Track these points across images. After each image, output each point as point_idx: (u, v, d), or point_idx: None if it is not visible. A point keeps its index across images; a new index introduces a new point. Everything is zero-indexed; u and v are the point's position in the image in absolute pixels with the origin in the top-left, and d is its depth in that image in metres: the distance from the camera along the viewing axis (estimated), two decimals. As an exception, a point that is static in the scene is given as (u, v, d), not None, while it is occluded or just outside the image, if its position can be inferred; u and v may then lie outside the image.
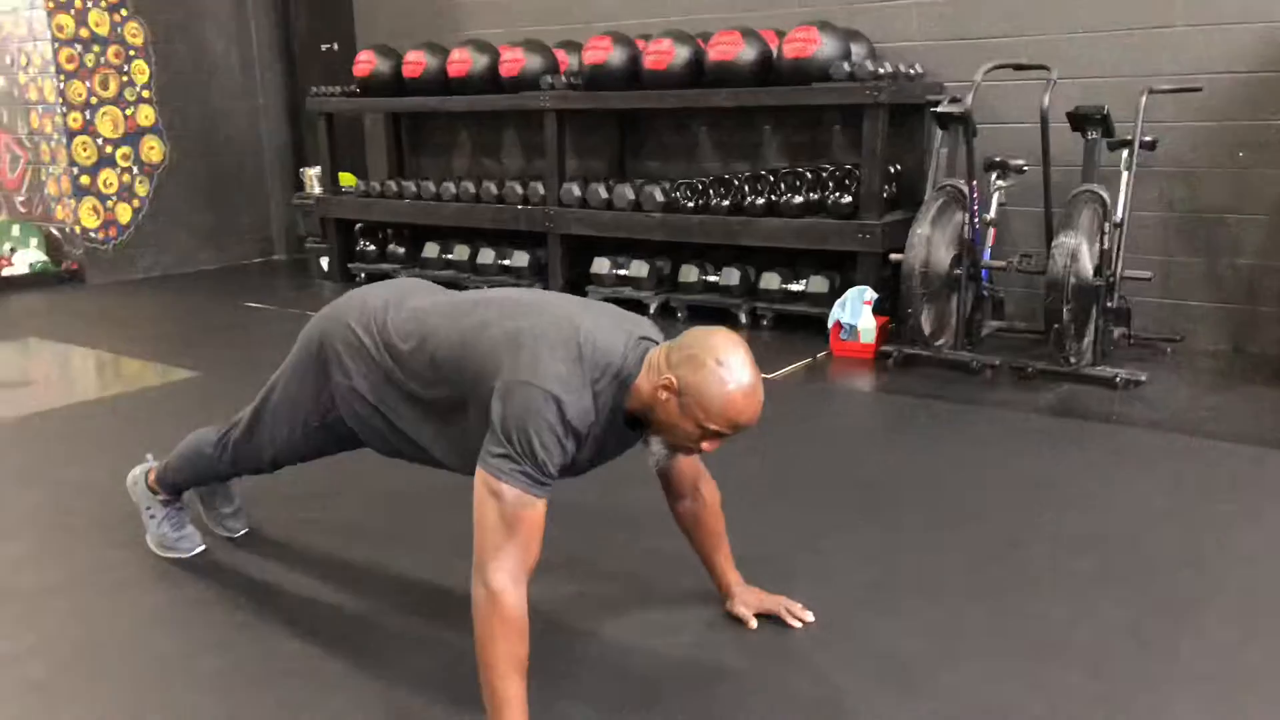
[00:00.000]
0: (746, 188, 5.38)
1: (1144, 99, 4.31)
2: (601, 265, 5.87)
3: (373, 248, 6.89)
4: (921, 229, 4.33)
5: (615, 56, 5.62)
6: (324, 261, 7.11)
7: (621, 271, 5.81)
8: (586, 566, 2.60)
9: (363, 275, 6.92)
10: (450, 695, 2.03)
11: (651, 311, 5.69)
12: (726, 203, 5.38)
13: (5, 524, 3.00)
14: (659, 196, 5.58)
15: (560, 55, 6.14)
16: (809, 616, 2.31)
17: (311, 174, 7.15)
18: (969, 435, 3.70)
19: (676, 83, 5.45)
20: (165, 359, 4.89)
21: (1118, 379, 4.17)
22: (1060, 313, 4.05)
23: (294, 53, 8.09)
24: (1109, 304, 4.24)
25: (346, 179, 7.11)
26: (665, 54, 5.43)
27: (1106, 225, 4.16)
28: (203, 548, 2.75)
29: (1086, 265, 4.06)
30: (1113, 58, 4.79)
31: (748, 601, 2.33)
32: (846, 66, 4.97)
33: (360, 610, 2.45)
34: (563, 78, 5.89)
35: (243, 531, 2.84)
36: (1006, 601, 2.43)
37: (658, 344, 1.95)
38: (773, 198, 5.26)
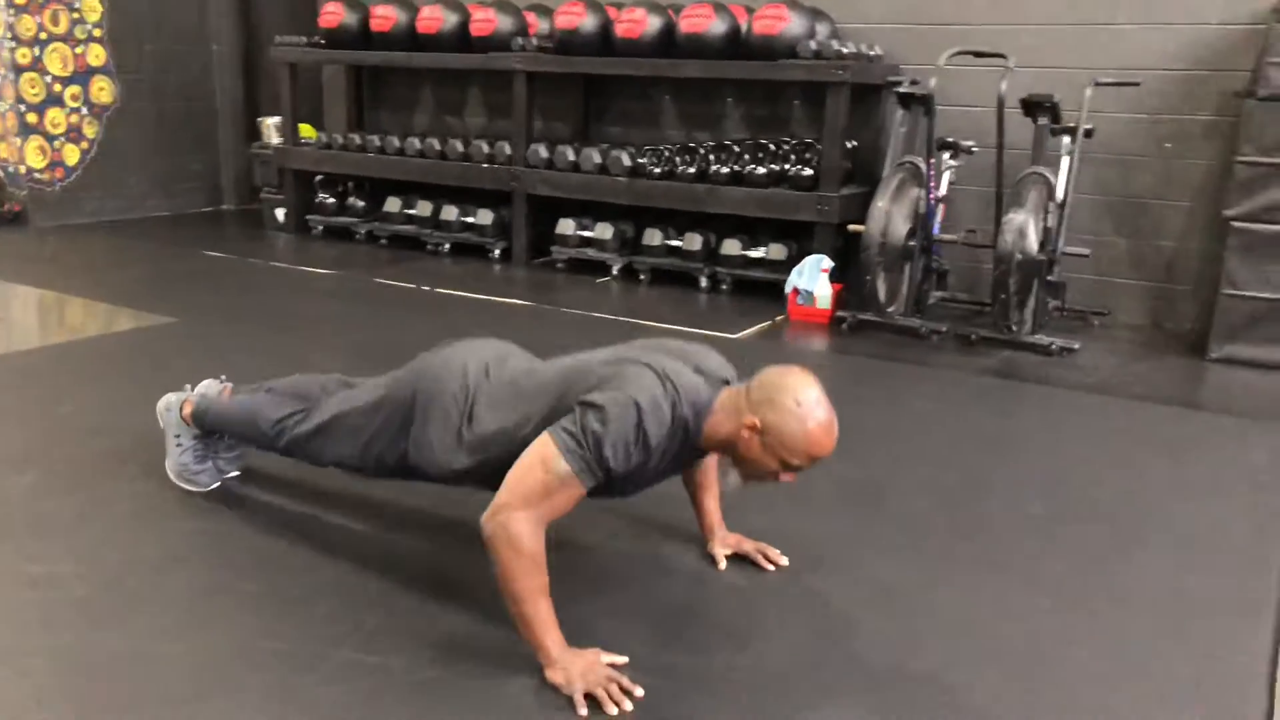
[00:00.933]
0: (711, 156, 5.61)
1: (1089, 90, 4.66)
2: (566, 226, 6.05)
3: (331, 200, 6.94)
4: (882, 202, 4.62)
5: (588, 23, 5.79)
6: (279, 213, 7.13)
7: (586, 233, 6.00)
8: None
9: (320, 228, 6.98)
10: (485, 612, 2.23)
11: (615, 272, 5.91)
12: (692, 170, 5.60)
13: (10, 457, 3.08)
14: (626, 161, 5.77)
15: (530, 18, 6.27)
16: (784, 560, 2.50)
17: (270, 123, 7.15)
18: (922, 393, 4.02)
19: (647, 51, 5.64)
20: (138, 304, 4.93)
21: (1053, 346, 4.54)
22: (1007, 284, 4.39)
23: (250, -1, 8.04)
24: (1049, 278, 4.60)
25: (306, 130, 7.13)
26: (638, 22, 5.61)
27: (1050, 205, 4.51)
28: (218, 484, 2.88)
29: (1032, 241, 4.40)
30: (1061, 50, 5.12)
31: (726, 543, 2.52)
32: (813, 45, 5.22)
33: (384, 536, 2.63)
34: (533, 40, 6.03)
35: (234, 474, 2.91)
36: (977, 538, 2.73)
37: (730, 383, 2.13)
38: (736, 168, 5.51)
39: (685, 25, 5.52)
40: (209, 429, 2.80)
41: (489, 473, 2.14)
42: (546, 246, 6.23)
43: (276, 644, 2.13)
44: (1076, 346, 4.57)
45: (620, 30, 5.68)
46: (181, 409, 2.82)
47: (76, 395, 3.65)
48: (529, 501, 1.96)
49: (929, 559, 2.60)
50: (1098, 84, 4.69)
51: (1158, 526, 2.83)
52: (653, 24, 5.62)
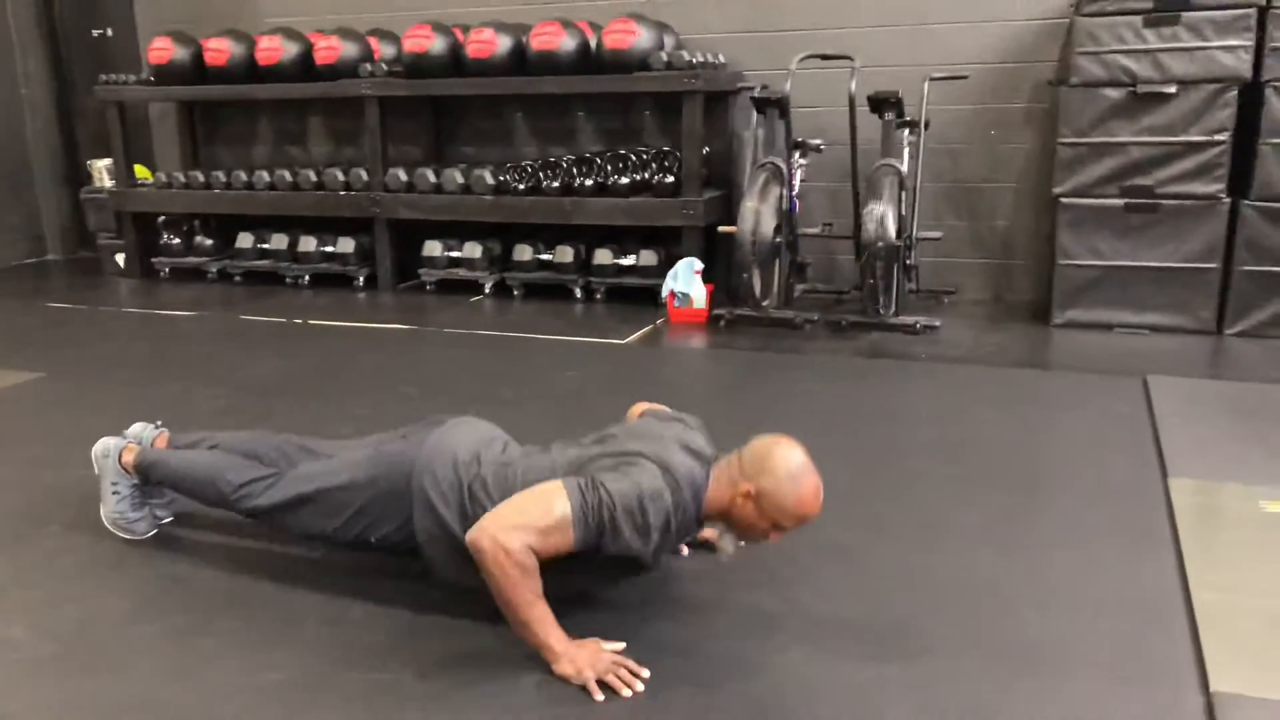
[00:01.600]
0: (574, 170, 5.74)
1: (926, 85, 5.05)
2: (433, 248, 6.05)
3: (177, 241, 6.68)
4: (751, 202, 4.87)
5: (437, 45, 5.82)
6: (119, 257, 6.81)
7: (454, 253, 6.02)
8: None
9: (167, 270, 6.71)
10: (474, 619, 2.28)
11: (488, 289, 5.96)
12: (556, 184, 5.72)
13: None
14: (489, 179, 5.84)
15: (373, 43, 6.24)
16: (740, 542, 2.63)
17: (100, 166, 6.81)
18: (810, 376, 4.27)
19: (499, 70, 5.73)
20: (-6, 361, 4.66)
21: (917, 325, 4.90)
22: (874, 270, 4.71)
23: (58, 39, 7.62)
24: (908, 262, 4.96)
25: (141, 171, 6.84)
26: (488, 43, 5.69)
27: (903, 194, 4.87)
28: (155, 531, 2.81)
29: (891, 229, 4.73)
30: (891, 49, 5.52)
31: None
32: (664, 56, 5.44)
33: (347, 559, 2.63)
34: (381, 65, 6.01)
35: (169, 519, 2.86)
36: (901, 498, 2.97)
37: (715, 458, 2.23)
38: (599, 179, 5.66)
39: (536, 43, 5.64)
40: (154, 481, 2.73)
41: None
42: (412, 270, 6.21)
43: (278, 674, 2.12)
44: (938, 324, 4.95)
45: (471, 51, 5.74)
46: (120, 456, 2.74)
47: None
48: (524, 526, 2.02)
49: (866, 519, 2.81)
50: (932, 79, 5.10)
51: (1050, 473, 3.15)
52: (503, 43, 5.72)
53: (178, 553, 2.71)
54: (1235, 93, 4.56)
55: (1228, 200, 4.65)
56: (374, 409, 3.81)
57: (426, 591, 2.42)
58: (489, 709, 1.99)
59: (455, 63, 5.85)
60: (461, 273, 6.00)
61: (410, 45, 5.85)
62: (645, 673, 2.08)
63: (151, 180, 6.78)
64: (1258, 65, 4.53)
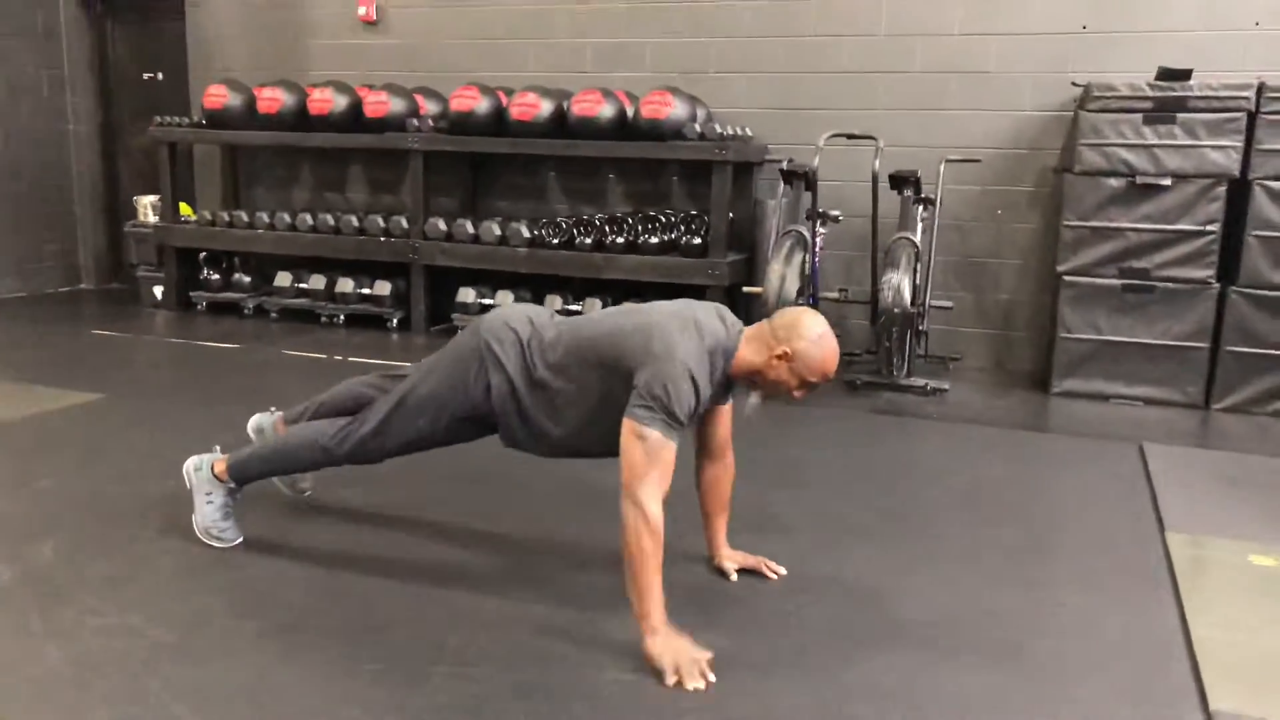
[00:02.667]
0: (607, 228, 6.09)
1: (942, 166, 5.45)
2: (467, 294, 6.37)
3: (216, 276, 6.98)
4: (777, 265, 5.21)
5: (482, 105, 6.20)
6: (157, 290, 7.09)
7: (486, 300, 6.34)
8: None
9: (204, 304, 7.00)
10: (553, 616, 2.56)
11: (516, 337, 6.25)
12: (589, 240, 6.06)
13: (18, 530, 3.15)
14: (525, 233, 6.18)
15: (419, 100, 6.61)
16: (782, 570, 2.94)
17: (146, 202, 7.13)
18: (828, 430, 4.58)
19: (539, 132, 6.11)
20: (54, 383, 4.91)
21: (928, 387, 5.23)
22: (891, 334, 5.05)
23: (109, 79, 7.99)
24: (920, 328, 5.30)
25: (184, 209, 7.15)
26: (532, 106, 6.07)
27: (918, 265, 5.23)
28: (241, 539, 3.06)
29: (907, 297, 5.08)
30: (909, 131, 5.92)
31: (734, 558, 2.95)
32: (697, 127, 5.82)
33: (427, 563, 2.90)
34: (428, 121, 6.37)
35: (309, 493, 3.33)
36: (926, 539, 3.26)
37: (742, 328, 2.63)
38: (630, 238, 6.01)
39: (577, 109, 6.02)
40: (251, 478, 3.02)
41: (557, 402, 2.66)
42: (444, 314, 6.52)
43: (375, 665, 2.38)
44: (947, 387, 5.28)
45: (515, 113, 6.11)
46: (213, 467, 3.01)
47: (48, 470, 3.68)
48: (644, 475, 2.38)
49: (896, 560, 3.10)
50: (948, 161, 5.49)
51: (1059, 523, 3.46)
52: (545, 108, 6.10)
53: (267, 558, 2.97)
54: (1224, 188, 4.96)
55: (1217, 285, 5.02)
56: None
57: (507, 587, 2.69)
58: (580, 696, 2.25)
59: (498, 122, 6.23)
60: (492, 319, 6.31)
61: (457, 104, 6.23)
62: (712, 677, 2.34)
63: (195, 217, 7.09)
64: (1246, 163, 4.94)
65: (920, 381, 5.27)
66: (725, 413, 2.85)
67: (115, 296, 7.66)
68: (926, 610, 2.76)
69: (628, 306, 2.78)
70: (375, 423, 2.83)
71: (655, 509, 2.37)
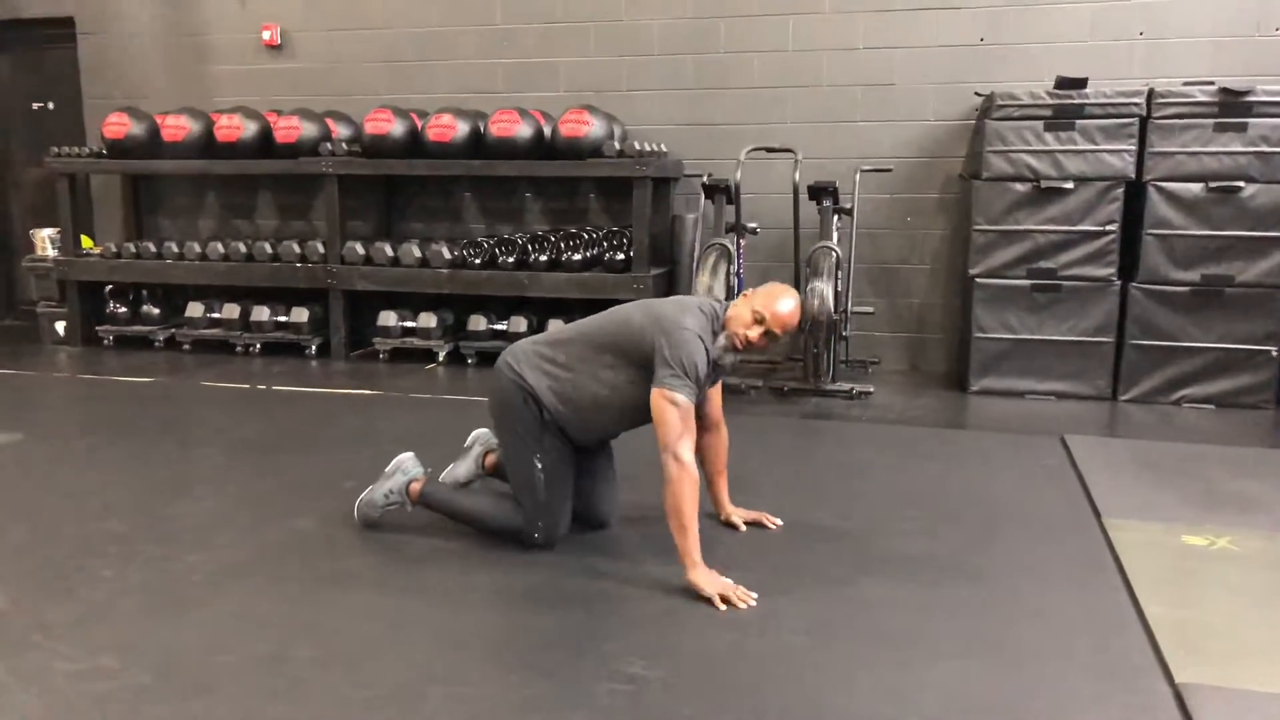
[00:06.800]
0: (529, 246, 6.10)
1: (857, 176, 5.62)
2: (388, 318, 6.30)
3: (124, 309, 6.74)
4: (704, 278, 5.30)
5: (396, 128, 6.15)
6: (59, 326, 6.81)
7: (408, 323, 6.28)
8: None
9: (111, 338, 6.75)
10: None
11: (441, 358, 6.23)
12: (511, 260, 6.06)
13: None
14: (446, 254, 6.14)
15: (330, 124, 6.52)
16: (779, 521, 3.45)
17: (44, 235, 6.84)
18: (762, 436, 4.66)
19: (457, 153, 6.09)
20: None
21: (853, 391, 5.39)
22: (818, 341, 5.19)
23: (-4, 110, 7.66)
24: (843, 334, 5.46)
25: (85, 241, 6.89)
26: (448, 128, 6.05)
27: (839, 273, 5.38)
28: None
29: (830, 304, 5.22)
30: (819, 142, 6.10)
31: (737, 513, 3.45)
32: (616, 145, 5.89)
33: (414, 585, 2.88)
34: (341, 145, 6.29)
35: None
36: (875, 538, 3.37)
37: (727, 304, 3.13)
38: (553, 256, 6.03)
39: (495, 130, 6.02)
40: (428, 508, 3.36)
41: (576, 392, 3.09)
42: (363, 339, 6.44)
43: (367, 692, 2.36)
44: (871, 390, 5.45)
45: (432, 135, 6.08)
46: (409, 485, 3.35)
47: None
48: (680, 434, 2.83)
49: (852, 556, 3.20)
50: (862, 171, 5.67)
51: (1000, 515, 3.59)
52: (462, 129, 6.08)
53: (232, 594, 2.90)
54: (1122, 189, 5.25)
55: (1118, 283, 5.31)
56: (370, 463, 4.01)
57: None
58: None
59: (413, 144, 6.19)
60: (415, 341, 6.26)
61: (371, 128, 6.16)
62: (755, 596, 2.81)
63: (97, 250, 6.84)
64: (1140, 165, 5.23)
65: (845, 386, 5.43)
66: (717, 390, 3.33)
67: (12, 333, 7.33)
68: (885, 609, 2.85)
69: (622, 306, 3.18)
70: (523, 495, 3.17)
71: (692, 464, 2.84)
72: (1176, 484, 3.89)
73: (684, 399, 2.83)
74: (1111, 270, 5.31)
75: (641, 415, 3.00)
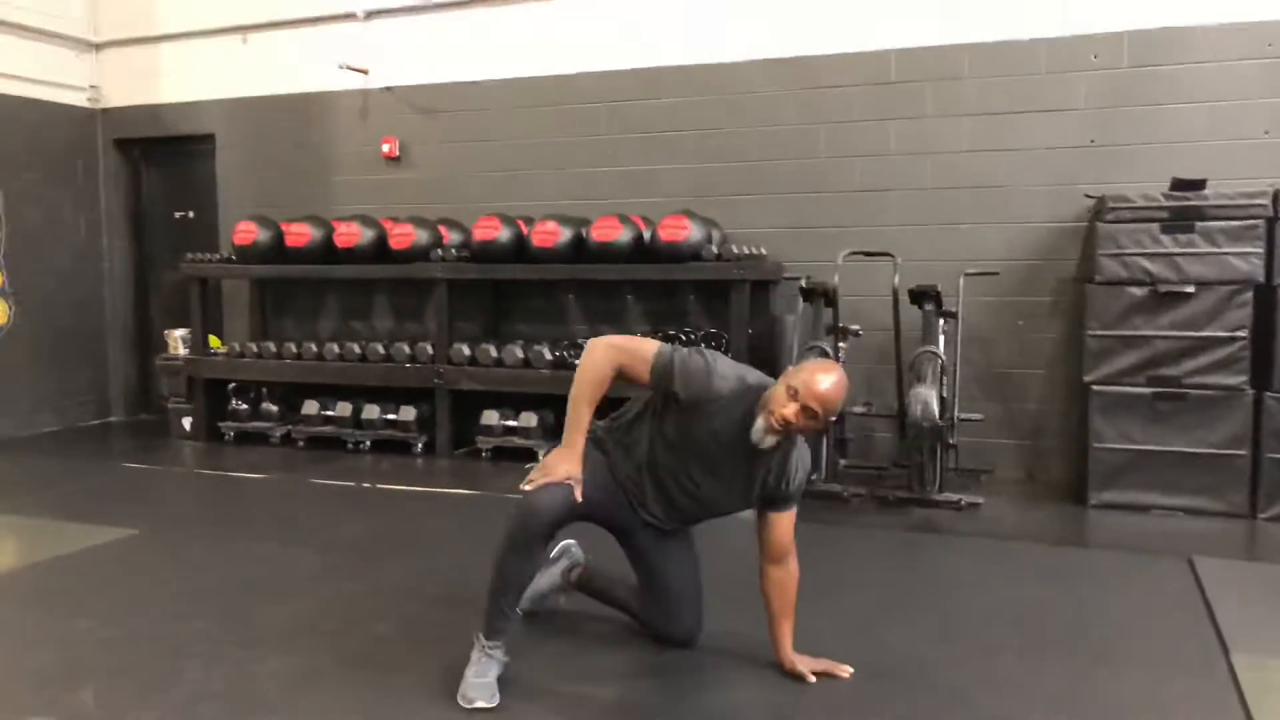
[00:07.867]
0: (630, 349, 6.13)
1: (961, 280, 5.49)
2: (491, 417, 6.40)
3: (245, 406, 7.03)
4: (803, 383, 5.20)
5: (503, 234, 6.33)
6: (186, 421, 7.15)
7: (510, 422, 6.36)
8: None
9: (232, 434, 7.03)
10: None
11: (541, 455, 6.23)
12: (612, 362, 6.09)
13: (50, 677, 3.10)
14: (548, 355, 6.23)
15: (442, 230, 6.75)
16: (850, 669, 3.06)
17: (177, 335, 7.24)
18: (863, 549, 4.49)
19: (560, 258, 6.21)
20: (85, 519, 4.91)
21: (961, 502, 5.16)
22: (922, 450, 5.01)
23: (142, 219, 8.23)
24: (949, 441, 5.26)
25: (213, 341, 7.27)
26: (552, 233, 6.20)
27: (944, 379, 5.22)
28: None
29: (935, 410, 5.05)
30: (922, 245, 5.99)
31: (804, 661, 3.05)
32: (714, 248, 5.92)
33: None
34: (451, 250, 6.50)
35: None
36: (975, 667, 3.16)
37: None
38: (653, 357, 6.04)
39: (597, 235, 6.13)
40: (584, 591, 3.50)
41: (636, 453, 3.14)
42: (467, 437, 6.54)
43: None
44: (981, 500, 5.21)
45: (536, 240, 6.24)
46: (571, 570, 3.49)
47: (83, 612, 3.60)
48: (621, 344, 2.95)
49: (947, 688, 3.01)
50: (967, 274, 5.53)
51: (1116, 646, 3.33)
52: (565, 234, 6.22)
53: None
54: (1250, 293, 4.96)
55: (1251, 391, 4.98)
56: (461, 570, 4.01)
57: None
58: None
59: (519, 249, 6.35)
60: (517, 440, 6.32)
61: (480, 234, 6.36)
62: (579, 495, 2.89)
63: (224, 349, 7.19)
64: (1269, 268, 4.95)
65: (953, 496, 5.20)
66: (786, 519, 3.02)
67: (145, 428, 7.73)
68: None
69: None
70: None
71: (603, 359, 2.91)
72: (1315, 616, 3.57)
73: (650, 354, 2.89)
74: (1243, 378, 4.99)
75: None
